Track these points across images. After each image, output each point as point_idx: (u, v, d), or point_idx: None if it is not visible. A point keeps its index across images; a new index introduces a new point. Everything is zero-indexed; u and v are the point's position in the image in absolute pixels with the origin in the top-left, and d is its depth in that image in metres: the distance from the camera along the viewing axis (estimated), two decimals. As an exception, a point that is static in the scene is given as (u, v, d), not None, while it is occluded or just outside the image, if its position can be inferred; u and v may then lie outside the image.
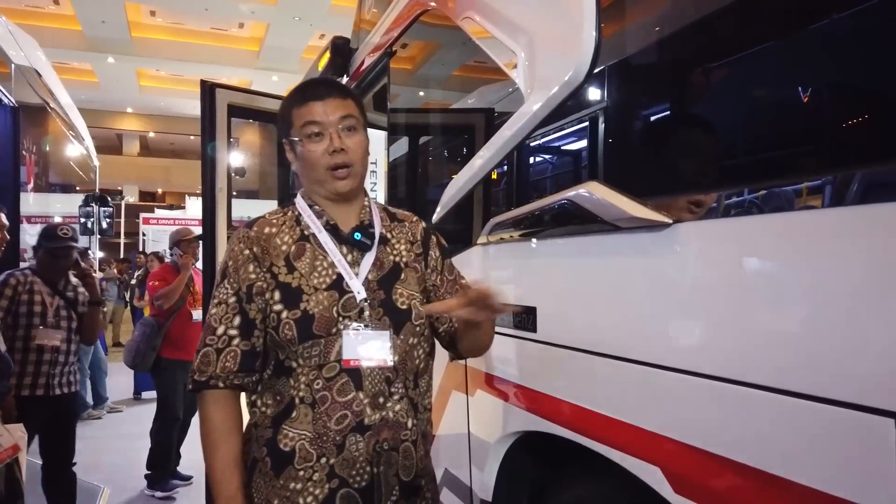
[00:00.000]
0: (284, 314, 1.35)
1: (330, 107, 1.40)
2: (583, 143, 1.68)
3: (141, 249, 13.56)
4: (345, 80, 3.55)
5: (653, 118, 1.59)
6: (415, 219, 1.59)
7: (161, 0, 15.06)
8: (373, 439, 1.34)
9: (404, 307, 1.42)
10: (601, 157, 1.62)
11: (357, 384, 1.35)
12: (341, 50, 3.42)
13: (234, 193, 3.78)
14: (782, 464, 1.02)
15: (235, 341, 1.37)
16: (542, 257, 1.69)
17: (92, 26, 15.35)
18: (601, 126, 1.60)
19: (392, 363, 1.37)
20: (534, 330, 1.70)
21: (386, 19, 2.93)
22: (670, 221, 1.23)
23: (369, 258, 1.43)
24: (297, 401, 1.35)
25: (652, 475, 1.26)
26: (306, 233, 1.43)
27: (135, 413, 6.91)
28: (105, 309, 7.60)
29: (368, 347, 1.36)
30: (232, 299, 1.39)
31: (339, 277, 1.39)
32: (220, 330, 1.38)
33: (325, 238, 1.42)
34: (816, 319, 0.98)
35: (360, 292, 1.39)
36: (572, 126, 1.70)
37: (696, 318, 1.21)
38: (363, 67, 3.22)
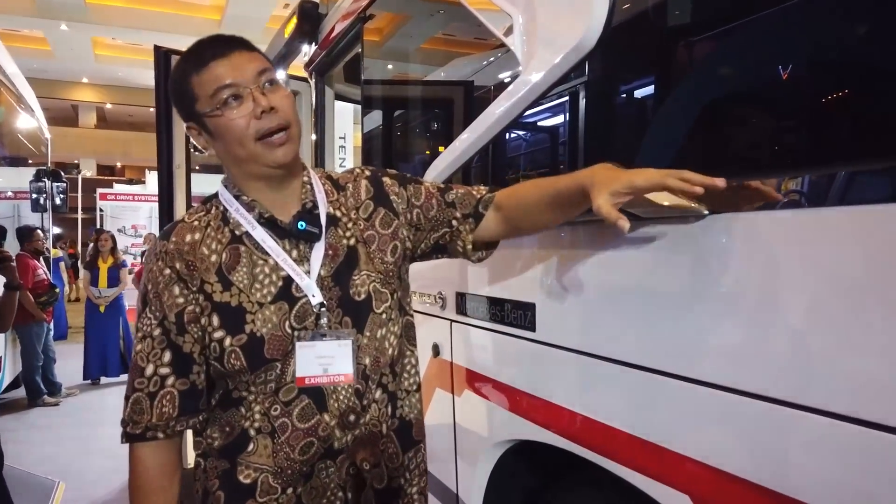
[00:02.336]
0: (228, 341, 1.12)
1: (240, 62, 1.12)
2: (593, 120, 1.47)
3: (98, 226, 13.01)
4: (313, 48, 3.30)
5: (677, 89, 1.38)
6: (356, 172, 1.31)
7: (116, -36, 14.35)
8: (346, 462, 1.16)
9: (363, 297, 1.19)
10: (616, 135, 1.43)
11: (320, 405, 1.14)
12: (309, 15, 3.16)
13: (196, 168, 3.55)
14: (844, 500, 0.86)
15: (170, 381, 1.14)
16: (543, 248, 1.50)
17: (42, -10, 14.57)
18: (616, 99, 1.40)
19: (355, 377, 1.16)
20: (532, 329, 1.52)
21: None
22: (706, 212, 1.06)
23: (319, 250, 1.18)
24: (251, 432, 1.15)
25: (679, 504, 1.10)
26: (237, 232, 1.17)
27: (90, 399, 6.62)
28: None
29: (328, 361, 1.14)
30: (157, 332, 1.14)
31: (286, 282, 1.15)
32: (149, 370, 1.14)
33: (261, 235, 1.16)
34: (888, 336, 0.81)
35: (314, 296, 1.15)
36: (580, 99, 1.50)
37: (732, 327, 1.03)
38: (333, 34, 2.97)
